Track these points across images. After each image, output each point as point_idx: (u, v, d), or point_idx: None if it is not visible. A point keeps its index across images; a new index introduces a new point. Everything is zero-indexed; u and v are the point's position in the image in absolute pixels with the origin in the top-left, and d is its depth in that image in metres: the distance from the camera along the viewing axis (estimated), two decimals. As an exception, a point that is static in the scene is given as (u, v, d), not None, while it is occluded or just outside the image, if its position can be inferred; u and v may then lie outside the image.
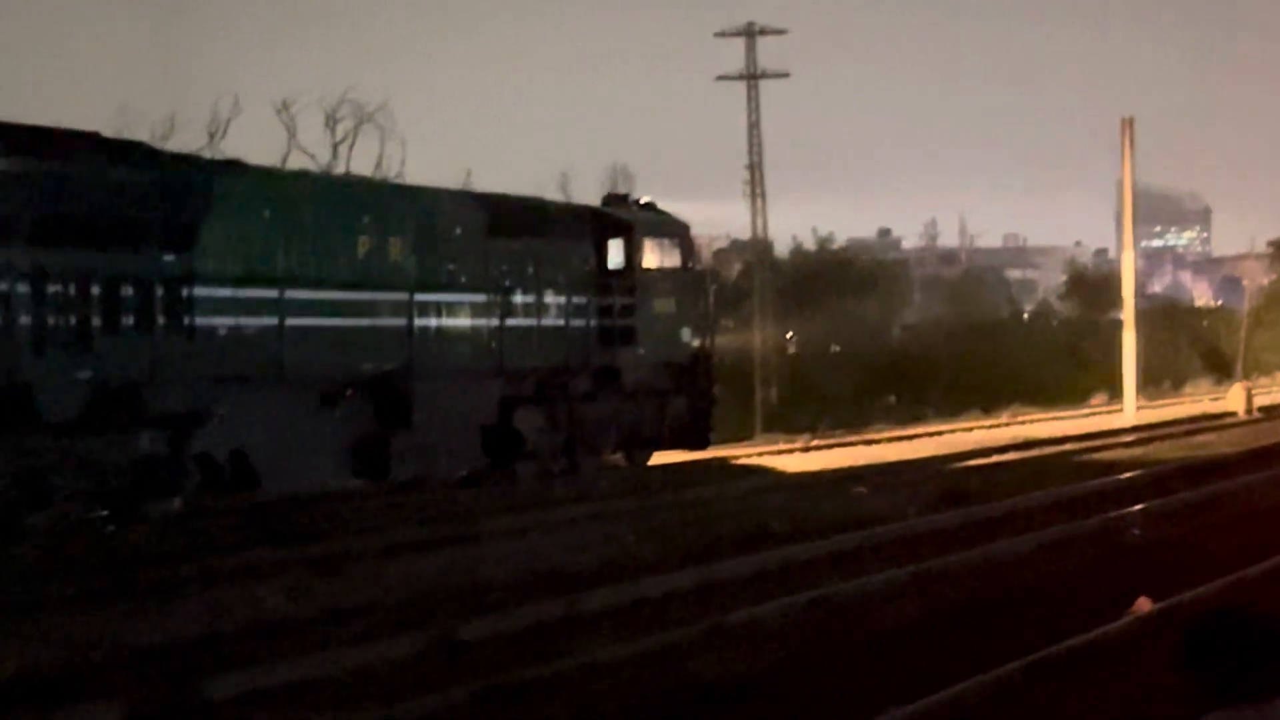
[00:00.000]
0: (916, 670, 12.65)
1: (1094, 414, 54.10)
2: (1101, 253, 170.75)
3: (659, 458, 32.14)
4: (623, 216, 31.21)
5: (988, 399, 62.86)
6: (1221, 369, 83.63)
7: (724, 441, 37.05)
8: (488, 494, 26.09)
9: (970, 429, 45.46)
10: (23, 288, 20.02)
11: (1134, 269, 54.55)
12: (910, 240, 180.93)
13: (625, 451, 31.40)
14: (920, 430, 44.95)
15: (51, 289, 20.36)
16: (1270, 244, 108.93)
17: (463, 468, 27.76)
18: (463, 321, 27.12)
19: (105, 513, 21.72)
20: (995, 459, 33.68)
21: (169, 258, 21.87)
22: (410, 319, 25.84)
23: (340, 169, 56.67)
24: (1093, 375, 70.10)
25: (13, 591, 16.16)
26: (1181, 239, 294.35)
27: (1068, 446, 37.03)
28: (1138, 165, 52.41)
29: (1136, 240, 56.01)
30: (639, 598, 16.06)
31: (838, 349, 67.47)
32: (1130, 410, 50.62)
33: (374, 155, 60.87)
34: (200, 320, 22.26)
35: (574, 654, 13.22)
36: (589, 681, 12.39)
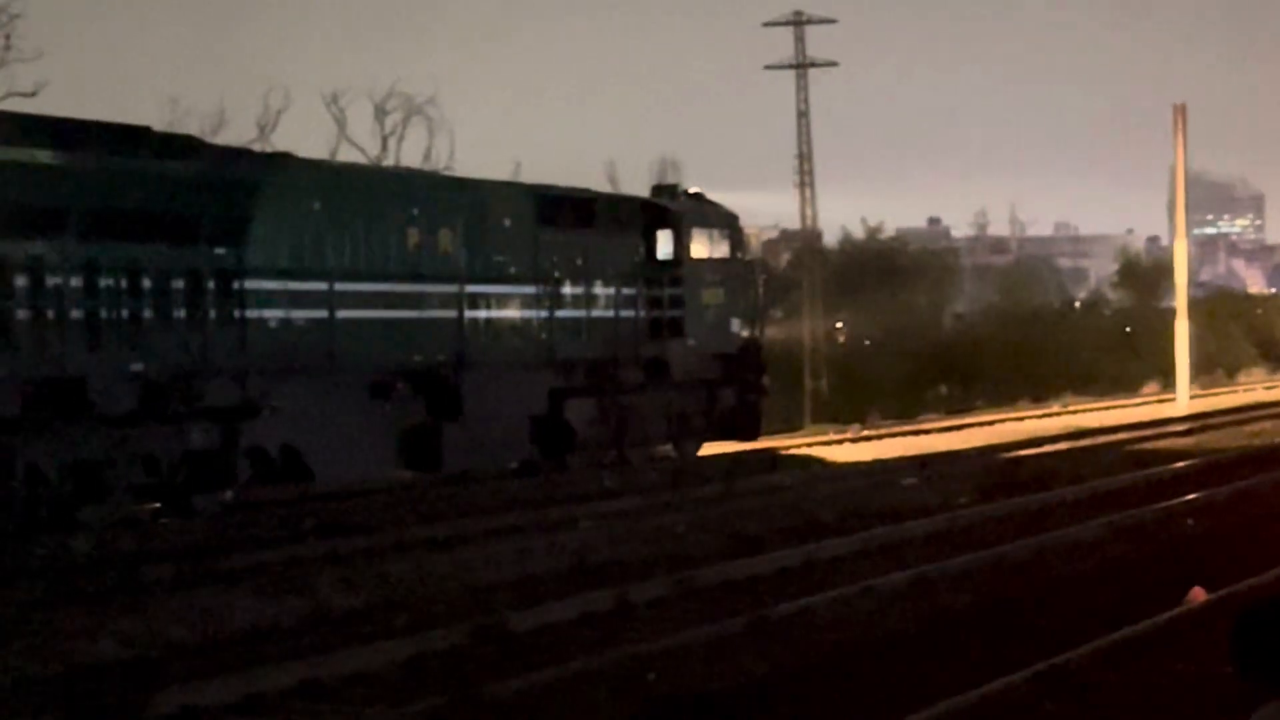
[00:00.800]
0: (968, 660, 12.61)
1: (1146, 403, 53.84)
2: (1154, 240, 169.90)
3: (708, 448, 32.12)
4: (671, 207, 31.19)
5: (1039, 388, 62.63)
6: (1275, 357, 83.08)
7: (774, 432, 36.99)
8: (537, 485, 26.10)
9: (1021, 419, 45.29)
10: (75, 281, 20.14)
11: (1187, 257, 54.22)
12: (960, 229, 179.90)
13: (674, 442, 31.38)
14: (971, 420, 44.81)
15: (103, 282, 20.48)
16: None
17: (513, 459, 27.80)
18: (513, 313, 27.15)
19: (158, 505, 21.83)
20: (1047, 449, 33.56)
21: (220, 251, 21.97)
22: (460, 310, 25.89)
23: (389, 161, 56.82)
24: (1145, 364, 69.75)
25: (67, 584, 16.26)
26: (1235, 226, 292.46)
27: (1120, 436, 36.87)
28: (1190, 152, 52.13)
29: (1189, 228, 55.73)
30: (689, 589, 16.06)
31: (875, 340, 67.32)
32: (1183, 399, 50.36)
33: (423, 147, 60.92)
34: (251, 313, 22.35)
35: (623, 645, 13.23)
36: (640, 673, 12.40)
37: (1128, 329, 77.18)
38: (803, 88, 69.07)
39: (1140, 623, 13.53)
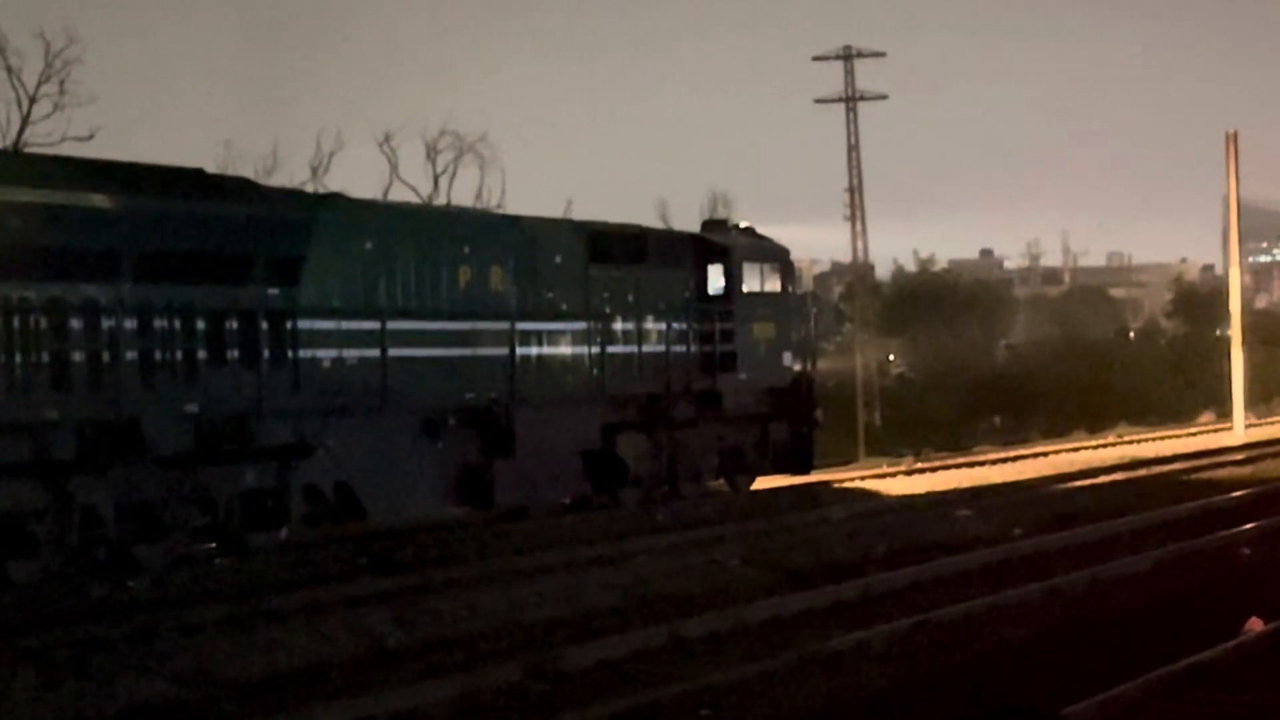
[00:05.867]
0: (1024, 693, 12.55)
1: (1202, 432, 53.49)
2: (1208, 269, 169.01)
3: (761, 483, 32.07)
4: (722, 242, 31.21)
5: (1093, 419, 62.33)
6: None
7: (827, 466, 36.90)
8: (589, 520, 26.10)
9: (1076, 449, 45.04)
10: (130, 323, 20.30)
11: (1241, 285, 53.95)
12: (1012, 260, 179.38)
13: (727, 477, 31.35)
14: (1025, 451, 44.60)
15: (158, 324, 20.63)
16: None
17: (565, 495, 27.82)
18: (564, 349, 27.20)
19: (213, 545, 21.93)
20: (1102, 479, 33.36)
21: (273, 291, 22.10)
22: (512, 347, 25.96)
23: (441, 200, 57.08)
24: (1200, 393, 69.35)
25: (124, 623, 16.34)
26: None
27: (1176, 466, 36.63)
28: (1243, 180, 51.90)
29: (1243, 256, 55.46)
30: (742, 624, 16.04)
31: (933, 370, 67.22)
32: (1239, 428, 50.03)
33: (474, 186, 61.31)
34: (304, 352, 22.46)
35: (678, 681, 13.22)
36: (695, 707, 12.39)
37: (1167, 360, 76.79)
38: (853, 121, 69.15)
39: (1197, 654, 13.43)
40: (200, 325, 21.12)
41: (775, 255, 32.22)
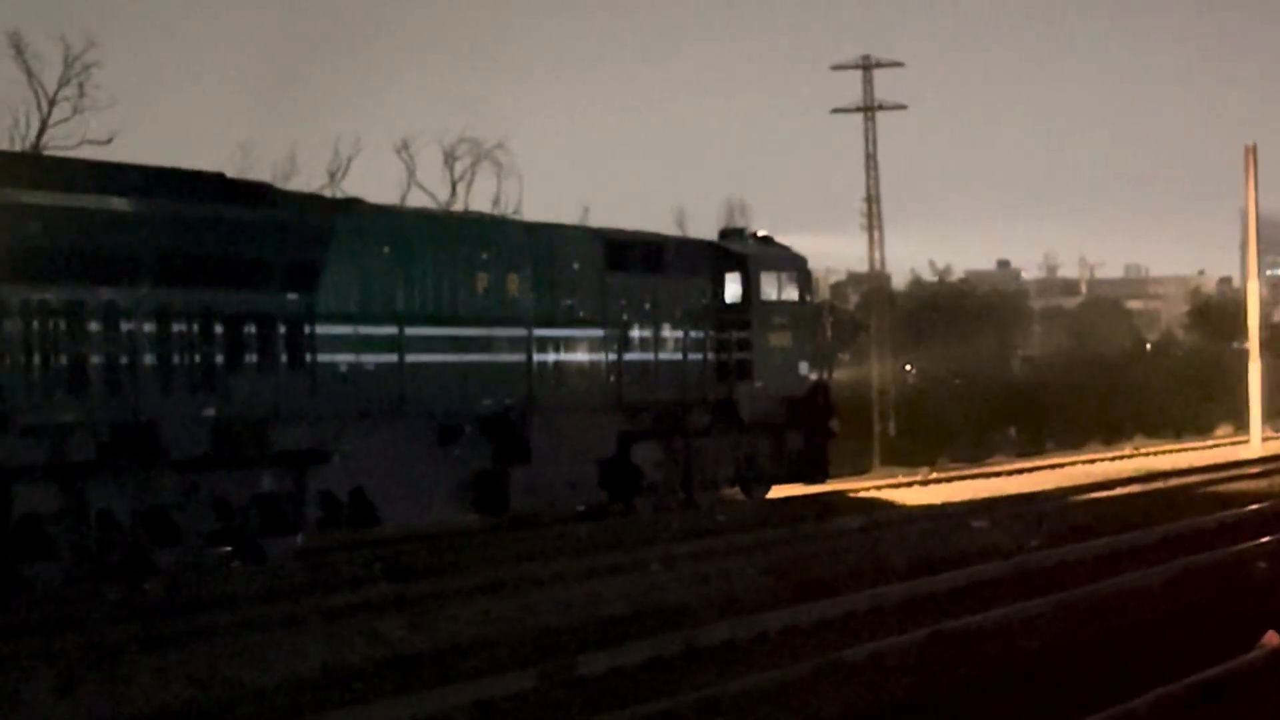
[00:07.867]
0: (1039, 705, 12.53)
1: (1219, 445, 53.39)
2: (1226, 281, 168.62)
3: (777, 491, 32.04)
4: (739, 250, 31.22)
5: (1110, 431, 62.21)
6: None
7: (842, 475, 36.86)
8: (604, 528, 26.10)
9: (1092, 461, 44.97)
10: (148, 327, 20.34)
11: (1259, 298, 53.86)
12: (1030, 271, 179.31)
13: (742, 485, 31.33)
14: (1041, 463, 44.53)
15: (176, 328, 20.67)
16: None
17: (580, 502, 27.82)
18: (581, 356, 27.22)
19: (229, 549, 21.95)
20: (1118, 491, 33.30)
21: (291, 296, 22.14)
22: (529, 354, 25.98)
23: (459, 206, 57.09)
24: (1217, 406, 69.19)
25: (141, 627, 16.36)
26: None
27: (1192, 479, 36.55)
28: (1262, 192, 51.82)
29: (1262, 269, 55.39)
30: (758, 633, 16.02)
31: (958, 381, 67.09)
32: (1256, 441, 49.91)
33: (492, 192, 61.19)
34: (322, 357, 22.50)
35: (693, 690, 13.20)
36: (710, 716, 12.37)
37: (1184, 373, 76.63)
38: (871, 131, 68.95)
39: (1214, 667, 13.40)
40: (218, 329, 21.16)
41: (792, 264, 32.22)
